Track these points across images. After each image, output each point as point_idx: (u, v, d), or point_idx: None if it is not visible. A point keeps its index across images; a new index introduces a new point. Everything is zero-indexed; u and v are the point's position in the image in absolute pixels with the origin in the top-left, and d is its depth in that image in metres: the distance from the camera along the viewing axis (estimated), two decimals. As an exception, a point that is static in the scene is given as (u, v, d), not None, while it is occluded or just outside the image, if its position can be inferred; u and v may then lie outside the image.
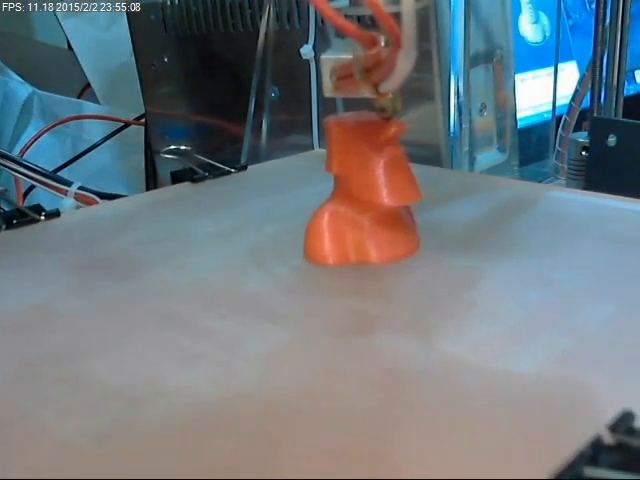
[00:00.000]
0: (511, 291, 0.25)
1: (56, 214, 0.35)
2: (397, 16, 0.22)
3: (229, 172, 0.42)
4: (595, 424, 0.16)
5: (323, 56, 0.26)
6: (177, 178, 0.41)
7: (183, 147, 0.43)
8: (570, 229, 0.31)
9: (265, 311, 0.25)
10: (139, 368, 0.21)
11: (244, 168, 0.43)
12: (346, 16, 0.25)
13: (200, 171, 0.41)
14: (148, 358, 0.22)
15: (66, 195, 0.54)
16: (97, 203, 0.54)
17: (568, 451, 0.16)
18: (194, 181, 0.41)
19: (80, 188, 0.56)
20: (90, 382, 0.21)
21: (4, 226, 0.34)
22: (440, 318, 0.24)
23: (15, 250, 0.32)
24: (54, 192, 0.56)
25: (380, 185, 0.27)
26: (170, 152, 0.43)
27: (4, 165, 0.57)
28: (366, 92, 0.25)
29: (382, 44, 0.23)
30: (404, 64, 0.22)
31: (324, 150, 0.29)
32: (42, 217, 0.35)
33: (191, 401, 0.19)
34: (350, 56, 0.25)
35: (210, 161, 0.43)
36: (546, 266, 0.27)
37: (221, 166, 0.42)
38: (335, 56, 0.26)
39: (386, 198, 0.27)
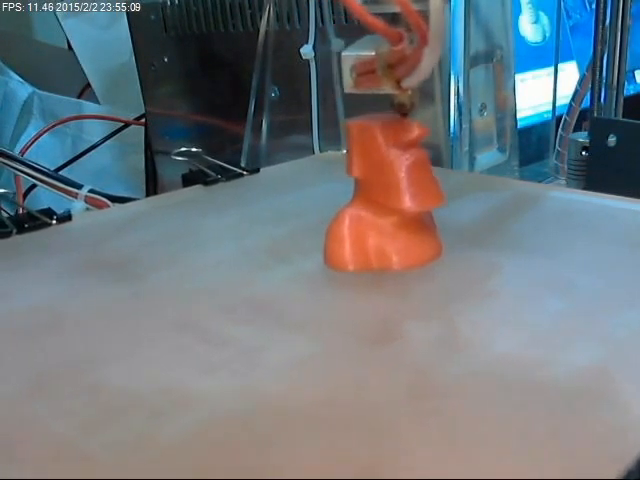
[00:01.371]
0: (535, 296, 0.25)
1: (68, 218, 0.35)
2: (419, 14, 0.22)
3: (241, 174, 0.41)
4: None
5: (344, 53, 0.26)
6: (188, 181, 0.41)
7: (194, 149, 0.43)
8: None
9: (285, 318, 0.24)
10: (158, 378, 0.21)
11: (257, 170, 0.42)
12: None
13: (212, 174, 0.40)
14: (167, 367, 0.21)
15: (76, 198, 0.54)
16: (108, 206, 0.54)
17: (614, 468, 0.15)
18: (206, 184, 0.40)
19: (90, 191, 0.56)
20: (108, 392, 0.20)
21: (15, 230, 0.33)
22: (468, 326, 0.23)
23: (27, 254, 0.31)
24: (64, 195, 0.55)
25: (402, 189, 0.26)
26: (181, 154, 0.43)
27: (15, 168, 0.57)
28: (387, 88, 0.25)
29: (407, 41, 0.24)
30: (429, 60, 0.23)
31: (336, 152, 0.29)
32: (54, 221, 0.34)
33: (214, 413, 0.19)
34: (371, 53, 0.25)
35: (221, 163, 0.42)
36: (560, 268, 0.27)
37: (233, 168, 0.42)
38: (356, 53, 0.26)
39: (408, 203, 0.26)
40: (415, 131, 0.26)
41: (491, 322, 0.23)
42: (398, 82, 0.25)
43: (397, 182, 0.26)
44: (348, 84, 0.26)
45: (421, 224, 0.28)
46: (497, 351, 0.21)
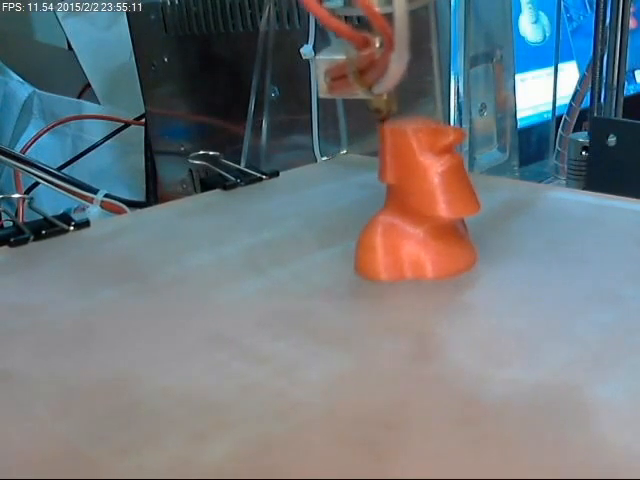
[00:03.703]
0: (577, 307, 0.24)
1: (86, 224, 0.34)
2: (391, 17, 0.21)
3: (260, 179, 0.40)
4: None
5: (317, 57, 0.26)
6: (207, 185, 0.40)
7: (212, 152, 0.42)
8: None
9: (319, 331, 0.23)
10: (195, 397, 0.20)
11: (276, 174, 0.41)
12: (346, 18, 0.25)
13: (231, 178, 0.40)
14: (203, 386, 0.20)
15: (92, 203, 0.54)
16: (125, 211, 0.54)
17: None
18: (225, 188, 0.39)
19: (106, 196, 0.56)
20: (144, 414, 0.19)
21: (32, 237, 0.32)
22: (512, 339, 0.22)
23: (46, 263, 0.30)
24: (80, 200, 0.55)
25: (437, 196, 0.25)
26: (198, 157, 0.42)
27: (29, 172, 0.57)
28: (360, 93, 0.24)
29: (377, 45, 0.23)
30: (397, 65, 0.22)
31: (356, 155, 0.28)
32: (71, 227, 0.33)
33: (254, 435, 0.18)
34: (344, 57, 0.24)
35: (241, 167, 0.41)
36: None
37: (252, 172, 0.41)
38: (329, 57, 0.25)
39: (444, 210, 0.25)
40: (450, 136, 0.25)
41: (536, 337, 0.22)
42: (370, 87, 0.24)
43: (432, 188, 0.25)
44: (322, 89, 0.26)
45: (455, 232, 0.27)
46: (545, 369, 0.20)
